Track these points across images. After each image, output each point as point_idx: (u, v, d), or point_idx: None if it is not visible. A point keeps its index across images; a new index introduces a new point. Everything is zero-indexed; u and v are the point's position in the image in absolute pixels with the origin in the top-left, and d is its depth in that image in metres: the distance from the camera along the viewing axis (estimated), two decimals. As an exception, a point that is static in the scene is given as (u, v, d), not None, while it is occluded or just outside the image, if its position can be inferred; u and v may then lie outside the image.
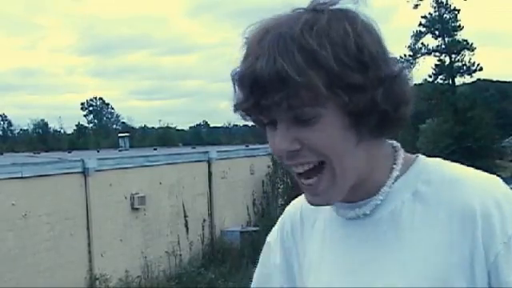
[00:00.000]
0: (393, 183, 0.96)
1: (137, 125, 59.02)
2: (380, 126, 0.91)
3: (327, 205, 0.98)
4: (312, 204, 0.96)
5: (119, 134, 24.25)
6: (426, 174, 0.96)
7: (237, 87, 0.91)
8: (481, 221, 0.89)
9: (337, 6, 0.91)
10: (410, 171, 0.97)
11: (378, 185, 0.96)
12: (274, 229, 1.16)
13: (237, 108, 0.92)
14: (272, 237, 1.15)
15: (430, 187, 0.94)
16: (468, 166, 0.99)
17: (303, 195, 0.98)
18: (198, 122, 63.69)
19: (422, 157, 1.00)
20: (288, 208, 1.14)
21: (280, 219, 1.15)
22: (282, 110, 0.88)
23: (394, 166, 0.97)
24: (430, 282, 0.89)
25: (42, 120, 53.76)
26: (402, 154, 0.99)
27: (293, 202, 1.13)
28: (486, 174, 0.96)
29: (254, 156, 14.12)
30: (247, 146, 17.22)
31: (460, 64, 33.22)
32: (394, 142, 1.01)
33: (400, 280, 0.91)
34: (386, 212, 0.96)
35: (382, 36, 0.92)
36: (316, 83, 0.85)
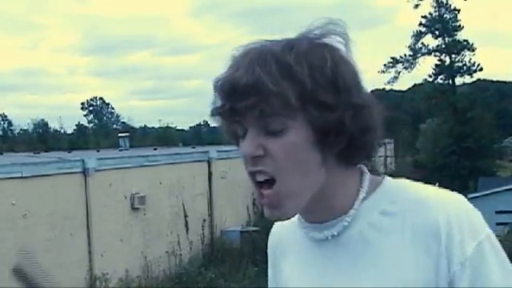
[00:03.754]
0: (359, 204, 1.00)
1: (137, 125, 58.99)
2: (347, 151, 0.96)
3: (284, 218, 1.01)
4: (268, 216, 1.00)
5: (119, 134, 24.22)
6: (392, 194, 1.00)
7: (216, 93, 0.97)
8: (444, 239, 0.93)
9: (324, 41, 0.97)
10: (376, 192, 1.01)
11: (345, 206, 1.00)
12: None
13: (213, 113, 0.98)
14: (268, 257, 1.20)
15: (396, 207, 0.98)
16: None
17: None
18: (198, 122, 63.63)
19: (388, 178, 1.04)
20: (272, 230, 1.20)
21: (268, 241, 1.20)
22: (254, 117, 0.93)
23: (361, 188, 1.01)
24: None
25: (42, 120, 53.75)
26: (367, 177, 1.03)
27: (275, 224, 1.19)
28: (450, 192, 1.00)
29: (254, 156, 14.09)
30: (247, 146, 17.16)
31: (460, 64, 33.26)
32: (362, 166, 1.04)
33: None
34: (354, 232, 0.99)
35: (358, 71, 0.98)
36: (288, 94, 0.90)
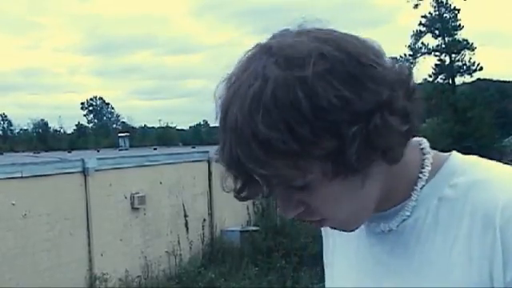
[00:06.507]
0: (419, 194, 0.89)
1: (137, 124, 59.08)
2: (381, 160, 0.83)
3: (352, 230, 0.94)
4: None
5: (119, 134, 24.25)
6: (455, 176, 0.87)
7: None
8: (499, 232, 0.79)
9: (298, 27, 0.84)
10: (438, 174, 0.89)
11: (406, 192, 0.90)
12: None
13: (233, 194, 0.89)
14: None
15: (457, 191, 0.86)
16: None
17: None
18: (198, 122, 63.63)
19: (454, 157, 0.91)
20: None
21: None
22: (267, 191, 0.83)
23: (420, 175, 0.89)
24: None
25: (42, 120, 53.84)
26: (430, 158, 0.90)
27: None
28: None
29: (254, 156, 14.08)
30: (247, 146, 17.16)
31: (460, 63, 33.29)
32: (423, 143, 0.92)
33: None
34: (411, 221, 0.89)
35: (352, 61, 0.79)
36: (282, 171, 0.78)
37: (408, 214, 0.89)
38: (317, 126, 0.76)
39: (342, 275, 1.02)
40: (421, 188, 0.89)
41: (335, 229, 0.93)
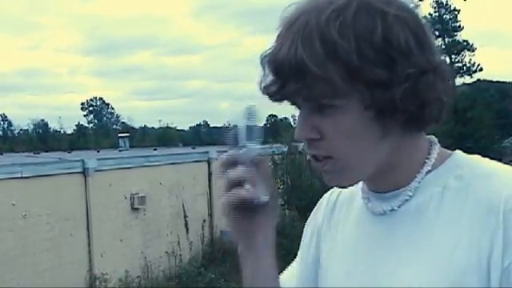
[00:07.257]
0: (423, 178, 0.93)
1: (137, 125, 59.13)
2: (408, 123, 0.88)
3: (344, 187, 0.98)
4: (327, 183, 0.96)
5: (119, 134, 24.28)
6: (460, 168, 0.91)
7: (264, 70, 0.90)
8: (502, 218, 0.82)
9: None
10: (443, 165, 0.93)
11: (409, 177, 0.93)
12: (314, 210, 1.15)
13: (263, 91, 0.91)
14: (309, 218, 1.15)
15: (462, 182, 0.89)
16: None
17: None
18: (198, 122, 63.65)
19: (459, 152, 0.96)
20: (329, 191, 1.13)
21: (319, 201, 1.14)
22: (301, 100, 0.88)
23: (427, 160, 0.94)
24: (446, 282, 0.84)
25: (42, 120, 53.88)
26: (437, 148, 0.96)
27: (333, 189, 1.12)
28: None
29: (254, 156, 14.09)
30: (247, 146, 17.19)
31: (460, 64, 33.32)
32: (432, 137, 0.98)
33: (415, 278, 0.87)
34: (412, 205, 0.92)
35: (420, 26, 0.89)
36: (333, 76, 0.83)
37: (410, 194, 0.92)
38: (380, 53, 0.83)
39: (340, 257, 1.02)
40: (426, 173, 0.93)
41: (331, 182, 0.95)
